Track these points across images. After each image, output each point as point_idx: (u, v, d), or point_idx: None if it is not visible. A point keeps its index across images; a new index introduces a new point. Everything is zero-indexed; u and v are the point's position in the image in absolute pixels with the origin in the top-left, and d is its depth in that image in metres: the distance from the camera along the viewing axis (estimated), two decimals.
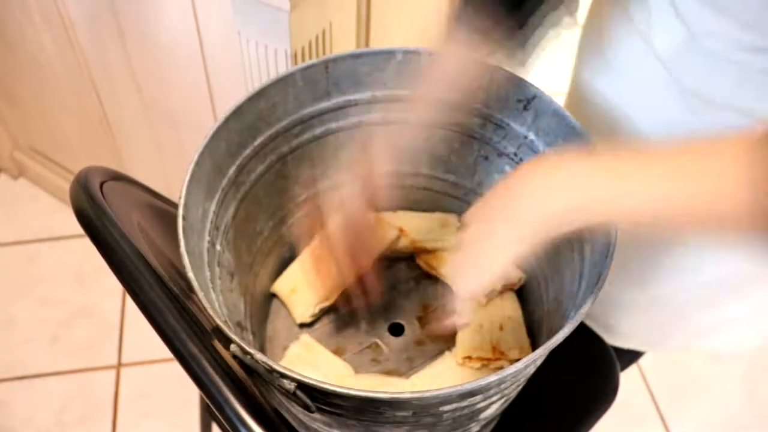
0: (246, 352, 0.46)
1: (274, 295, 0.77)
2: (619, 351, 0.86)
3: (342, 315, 0.74)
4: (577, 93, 0.73)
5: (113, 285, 1.44)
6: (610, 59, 0.65)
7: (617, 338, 0.84)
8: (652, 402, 1.34)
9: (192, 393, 1.29)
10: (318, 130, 0.70)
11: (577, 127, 0.60)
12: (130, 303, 1.41)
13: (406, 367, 0.70)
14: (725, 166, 0.39)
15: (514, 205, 0.47)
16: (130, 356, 1.35)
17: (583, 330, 0.84)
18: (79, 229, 0.48)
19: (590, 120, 0.70)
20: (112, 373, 1.33)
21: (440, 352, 0.70)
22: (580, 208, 0.44)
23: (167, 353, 0.43)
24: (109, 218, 0.46)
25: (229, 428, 0.40)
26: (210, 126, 0.59)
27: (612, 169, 0.44)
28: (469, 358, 0.67)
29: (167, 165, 1.24)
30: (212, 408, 0.41)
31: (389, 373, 0.70)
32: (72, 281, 1.45)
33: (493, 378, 0.45)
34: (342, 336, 0.73)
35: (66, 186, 1.53)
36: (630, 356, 0.93)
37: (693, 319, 0.77)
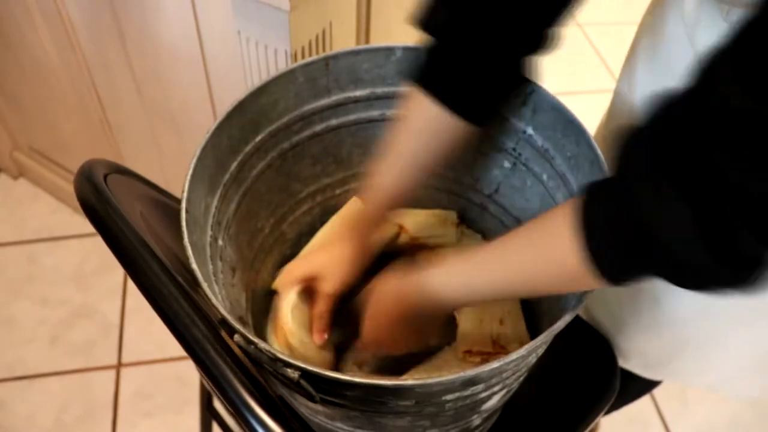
0: (250, 342, 0.46)
1: (275, 292, 0.78)
2: (632, 377, 0.87)
3: (343, 310, 0.74)
4: (628, 90, 0.73)
5: (113, 285, 1.44)
6: (661, 57, 0.66)
7: (620, 358, 0.85)
8: (652, 402, 1.34)
9: (192, 393, 1.29)
10: (318, 127, 0.70)
11: (575, 121, 0.60)
12: (130, 303, 1.41)
13: (408, 361, 0.71)
14: (556, 240, 0.45)
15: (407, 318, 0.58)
16: (130, 356, 1.35)
17: (583, 327, 0.84)
18: (78, 229, 0.49)
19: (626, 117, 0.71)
20: (112, 373, 1.33)
21: (441, 347, 0.70)
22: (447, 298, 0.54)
23: (167, 353, 0.44)
24: (114, 208, 0.47)
25: (233, 411, 0.40)
26: (211, 123, 0.59)
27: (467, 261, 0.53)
28: (470, 352, 0.67)
29: (167, 165, 1.24)
30: (216, 392, 0.41)
31: (390, 367, 0.70)
32: (72, 281, 1.45)
33: (495, 365, 0.45)
34: (343, 331, 0.73)
35: (66, 186, 1.53)
36: (641, 384, 0.93)
37: (696, 351, 0.77)
